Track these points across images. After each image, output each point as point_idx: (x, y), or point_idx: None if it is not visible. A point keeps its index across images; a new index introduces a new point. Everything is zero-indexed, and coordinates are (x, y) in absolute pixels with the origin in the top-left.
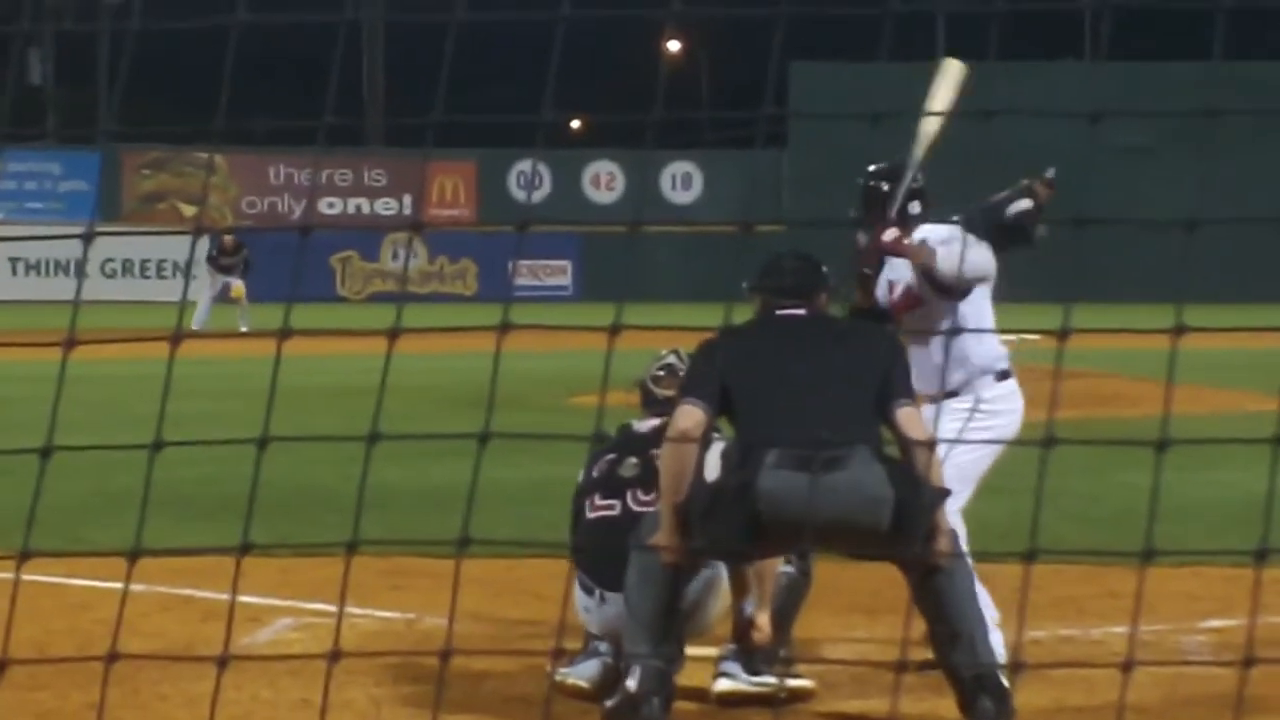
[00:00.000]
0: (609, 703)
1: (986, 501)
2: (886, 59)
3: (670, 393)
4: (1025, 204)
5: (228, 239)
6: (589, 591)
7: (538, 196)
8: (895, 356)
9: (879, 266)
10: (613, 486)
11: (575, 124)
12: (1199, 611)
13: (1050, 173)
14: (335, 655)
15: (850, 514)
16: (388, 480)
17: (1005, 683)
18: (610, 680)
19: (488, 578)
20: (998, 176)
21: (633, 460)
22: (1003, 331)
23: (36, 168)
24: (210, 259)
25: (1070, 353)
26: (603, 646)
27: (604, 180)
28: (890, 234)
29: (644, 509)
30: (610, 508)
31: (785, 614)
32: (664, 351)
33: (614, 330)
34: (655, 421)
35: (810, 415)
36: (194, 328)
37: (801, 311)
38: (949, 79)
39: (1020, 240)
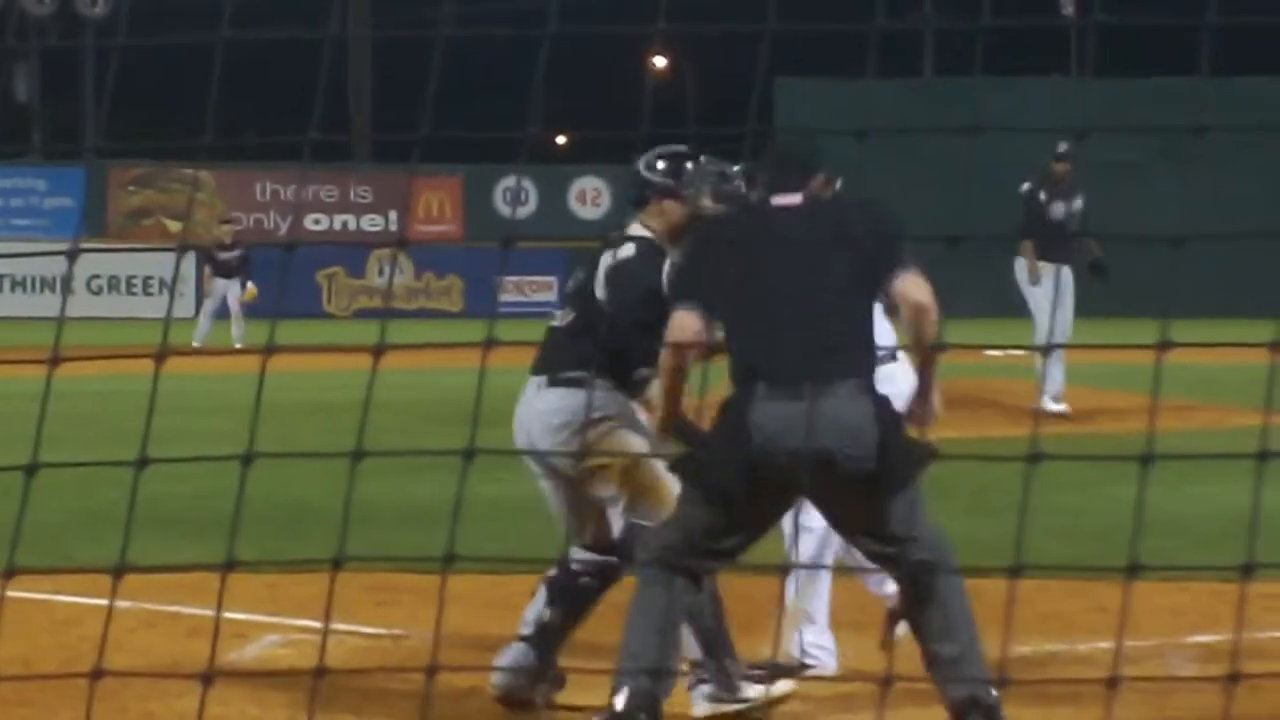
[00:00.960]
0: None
1: (974, 518)
2: (873, 76)
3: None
4: (1026, 186)
5: (224, 229)
6: None
7: (524, 212)
8: (889, 238)
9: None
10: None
11: (561, 139)
12: (1186, 626)
13: (1061, 147)
14: (321, 672)
15: (836, 445)
16: (373, 496)
17: (995, 694)
18: (521, 680)
19: (473, 594)
20: (986, 190)
21: (580, 274)
22: (989, 347)
23: (22, 184)
24: (208, 259)
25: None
26: (521, 651)
27: (590, 196)
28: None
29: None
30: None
31: (715, 636)
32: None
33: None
34: (626, 251)
35: (802, 338)
36: (195, 344)
37: (797, 200)
38: None
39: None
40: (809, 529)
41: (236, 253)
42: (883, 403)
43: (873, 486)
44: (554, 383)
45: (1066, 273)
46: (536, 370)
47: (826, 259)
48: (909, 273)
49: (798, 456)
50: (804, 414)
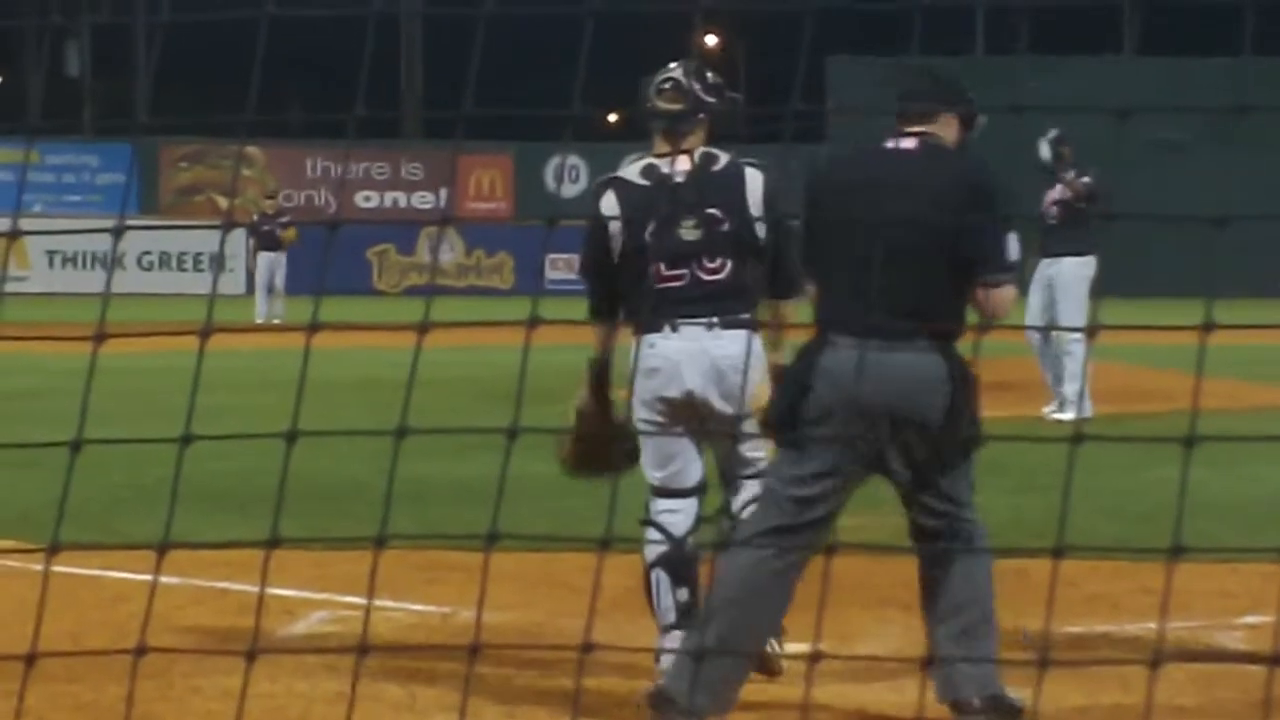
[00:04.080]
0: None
1: (1023, 497)
2: (922, 54)
3: (675, 107)
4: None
5: (268, 203)
6: (656, 330)
7: (575, 190)
8: (981, 207)
9: None
10: (679, 254)
11: (612, 117)
12: (1235, 608)
13: (1050, 133)
14: (364, 650)
15: (903, 400)
16: (421, 474)
17: (1019, 703)
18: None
19: (522, 572)
20: (1031, 169)
21: (691, 222)
22: (1038, 329)
23: (74, 160)
24: (252, 228)
25: (1104, 348)
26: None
27: None
28: None
29: (712, 276)
30: (679, 278)
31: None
32: (671, 65)
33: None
34: (686, 165)
35: (885, 294)
36: (258, 320)
37: (912, 145)
38: None
39: None
40: None
41: (282, 220)
42: (957, 362)
43: (938, 444)
44: (729, 325)
45: (1050, 266)
46: (701, 313)
47: (924, 222)
48: (1005, 285)
49: (871, 403)
50: (878, 363)
